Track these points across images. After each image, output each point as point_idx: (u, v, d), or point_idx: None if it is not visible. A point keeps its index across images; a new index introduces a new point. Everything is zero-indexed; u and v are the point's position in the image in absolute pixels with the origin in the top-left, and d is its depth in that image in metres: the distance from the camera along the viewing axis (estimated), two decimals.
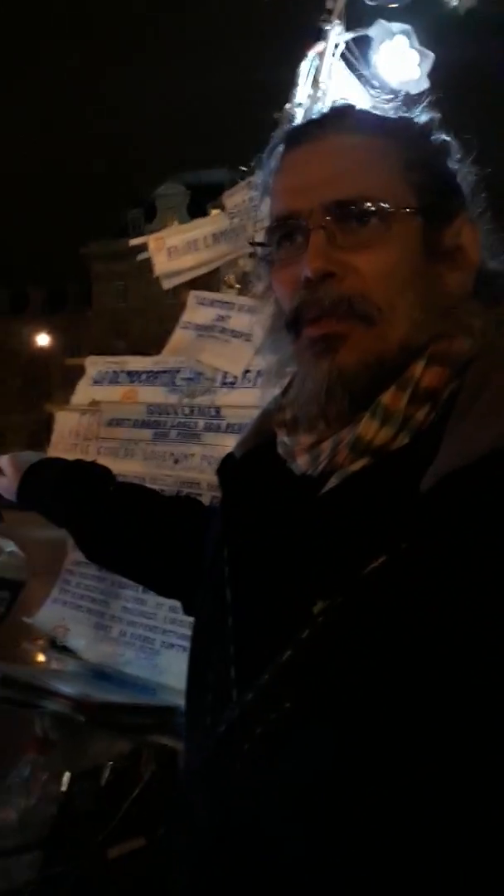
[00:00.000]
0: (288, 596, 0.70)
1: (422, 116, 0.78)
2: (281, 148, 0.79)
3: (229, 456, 0.90)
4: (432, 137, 0.77)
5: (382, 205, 0.71)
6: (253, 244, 0.81)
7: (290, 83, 2.08)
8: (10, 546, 1.36)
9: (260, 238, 0.79)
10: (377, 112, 0.78)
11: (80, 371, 1.97)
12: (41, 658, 1.74)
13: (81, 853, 1.43)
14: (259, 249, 0.81)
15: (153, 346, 2.04)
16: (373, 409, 0.71)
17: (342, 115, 0.78)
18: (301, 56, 2.04)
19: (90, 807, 1.45)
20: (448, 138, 0.78)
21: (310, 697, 0.66)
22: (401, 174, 0.74)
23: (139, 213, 31.38)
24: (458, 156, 0.78)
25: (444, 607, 0.62)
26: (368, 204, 0.71)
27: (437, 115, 0.79)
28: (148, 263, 1.98)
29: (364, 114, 0.78)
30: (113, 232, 31.27)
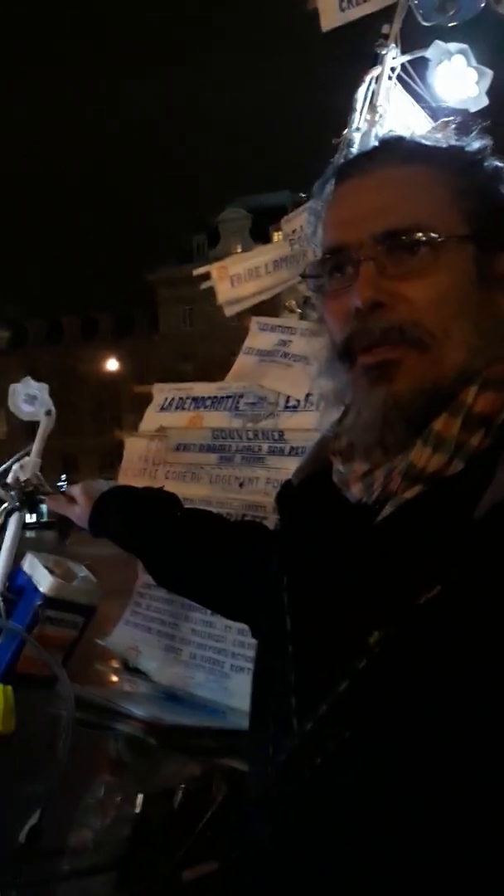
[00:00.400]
0: (345, 625, 0.70)
1: (474, 143, 0.79)
2: (332, 181, 0.81)
3: (287, 483, 0.91)
4: (485, 164, 0.78)
5: (432, 234, 0.72)
6: (303, 276, 0.82)
7: (350, 107, 2.11)
8: (83, 571, 1.40)
9: (310, 269, 0.80)
10: (428, 141, 0.79)
11: (148, 396, 2.02)
12: (114, 680, 1.78)
13: (156, 875, 1.45)
14: (309, 281, 0.82)
15: (218, 368, 2.07)
16: (425, 435, 0.72)
17: (392, 146, 0.80)
18: (356, 81, 2.07)
19: (163, 828, 1.46)
20: (501, 165, 0.78)
21: (367, 727, 0.66)
22: (451, 202, 0.74)
23: (203, 238, 31.91)
24: None
25: (499, 637, 0.62)
26: (418, 234, 0.72)
27: (489, 142, 0.79)
28: (211, 289, 2.03)
29: (414, 144, 0.79)
30: (178, 257, 31.87)
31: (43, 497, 1.43)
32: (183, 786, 1.48)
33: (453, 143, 0.79)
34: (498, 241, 0.75)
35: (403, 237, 0.72)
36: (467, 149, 0.78)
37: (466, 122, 0.82)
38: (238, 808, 1.53)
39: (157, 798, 1.47)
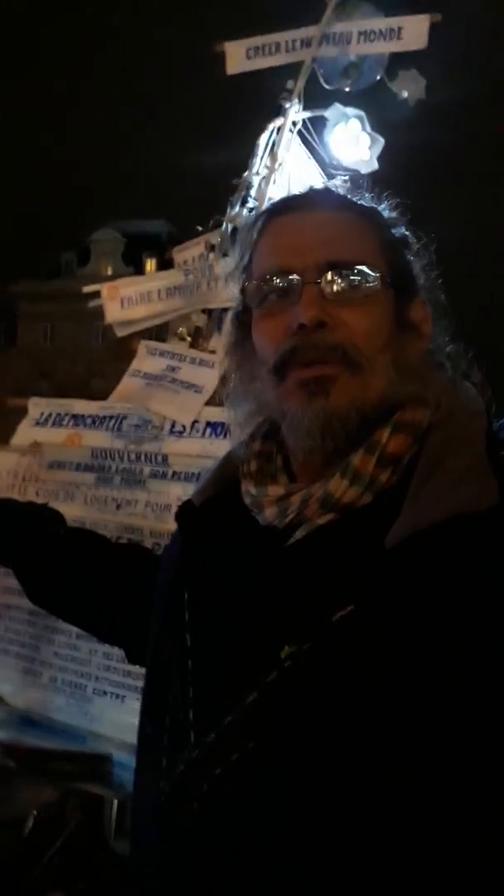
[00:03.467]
0: (253, 640, 0.73)
1: (388, 211, 0.87)
2: (263, 218, 0.86)
3: (187, 503, 0.93)
4: (396, 229, 0.86)
5: (371, 272, 0.79)
6: (242, 292, 0.85)
7: (238, 151, 2.20)
8: None
9: (251, 289, 0.83)
10: (352, 196, 0.86)
11: (6, 409, 1.97)
12: None
13: None
14: (235, 303, 0.86)
15: (78, 389, 2.06)
16: (342, 469, 0.77)
17: (324, 193, 0.89)
18: (252, 129, 2.17)
19: (12, 858, 1.40)
20: (407, 232, 0.87)
21: (274, 737, 0.69)
22: (378, 250, 0.82)
23: (72, 255, 31.35)
24: (414, 247, 0.86)
25: (407, 657, 0.67)
26: (360, 268, 0.79)
27: (400, 211, 0.87)
28: (77, 307, 2.02)
29: (344, 197, 0.86)
30: (42, 272, 31.11)
31: None
32: (35, 812, 1.43)
33: (370, 203, 0.87)
34: (407, 293, 0.83)
35: (345, 270, 0.79)
36: (383, 210, 0.87)
37: (370, 184, 0.90)
38: (93, 835, 1.49)
39: (7, 827, 1.41)
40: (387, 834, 0.66)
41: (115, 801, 1.46)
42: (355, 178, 0.93)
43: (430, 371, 0.83)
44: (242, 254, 0.87)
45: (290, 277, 0.80)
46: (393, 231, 0.85)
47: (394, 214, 0.87)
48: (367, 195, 0.88)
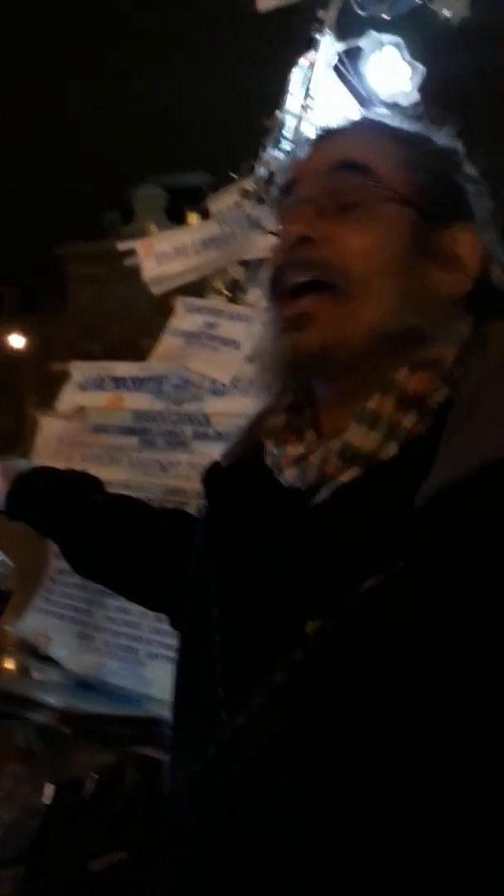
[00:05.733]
0: (278, 614, 0.68)
1: (438, 134, 0.80)
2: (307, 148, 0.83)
3: (215, 465, 0.88)
4: (443, 152, 0.78)
5: (378, 182, 0.73)
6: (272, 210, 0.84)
7: (272, 91, 2.09)
8: None
9: (263, 244, 0.81)
10: (393, 122, 0.81)
11: (55, 375, 1.96)
12: (23, 668, 1.71)
13: (63, 867, 1.41)
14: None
15: (129, 350, 2.03)
16: (359, 414, 0.71)
17: (362, 120, 0.87)
18: (288, 65, 2.05)
19: (73, 819, 1.42)
20: (459, 156, 0.79)
21: (303, 721, 0.65)
22: (404, 170, 0.75)
23: (116, 215, 31.24)
24: (472, 176, 0.79)
25: (443, 628, 0.61)
26: (366, 175, 0.73)
27: (452, 132, 0.80)
28: (126, 267, 1.97)
29: (381, 121, 0.82)
30: (89, 233, 31.11)
31: None
32: (94, 775, 1.44)
33: (416, 128, 0.80)
34: (440, 218, 0.75)
35: (351, 171, 0.74)
36: (428, 134, 0.79)
37: (431, 113, 0.83)
38: (151, 797, 1.51)
39: (68, 788, 1.43)
40: (430, 819, 0.61)
41: None
42: (405, 108, 0.88)
43: (461, 309, 0.75)
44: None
45: (292, 195, 0.76)
46: (439, 154, 0.78)
47: (442, 133, 0.80)
48: (415, 121, 0.82)
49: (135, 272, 1.98)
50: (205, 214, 1.98)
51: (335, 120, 0.85)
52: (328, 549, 0.68)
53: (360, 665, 0.63)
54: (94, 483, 1.21)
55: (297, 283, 0.73)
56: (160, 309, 1.90)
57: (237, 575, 0.75)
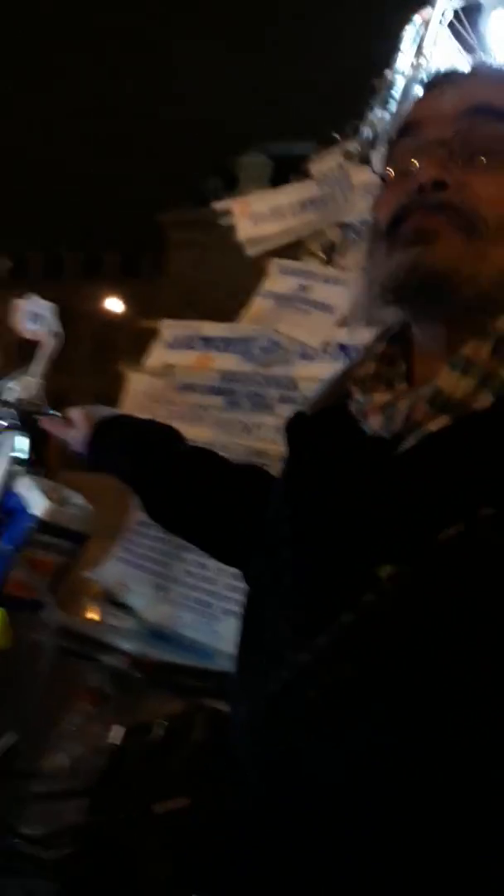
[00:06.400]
0: (352, 557, 0.67)
1: None
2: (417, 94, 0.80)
3: (298, 414, 0.87)
4: None
5: None
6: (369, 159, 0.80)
7: (385, 52, 2.02)
8: (77, 498, 1.37)
9: (363, 205, 0.77)
10: None
11: (150, 338, 1.98)
12: (100, 613, 1.77)
13: (127, 805, 1.46)
14: (378, 161, 0.80)
15: (225, 319, 2.03)
16: (452, 360, 0.68)
17: (481, 66, 0.83)
18: (402, 24, 1.98)
19: (139, 762, 1.47)
20: None
21: (371, 665, 0.64)
22: None
23: (219, 182, 31.26)
24: None
25: None
26: (501, 121, 0.70)
27: None
28: (227, 235, 1.97)
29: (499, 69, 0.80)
30: (192, 201, 31.27)
31: (40, 418, 1.39)
32: (164, 722, 1.48)
33: None
34: None
35: (482, 123, 0.70)
36: None
37: None
38: (217, 749, 1.54)
39: (137, 731, 1.47)
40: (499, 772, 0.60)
41: None
42: None
43: None
44: (390, 134, 0.80)
45: (415, 136, 0.73)
46: None
47: None
48: None
49: (234, 241, 1.97)
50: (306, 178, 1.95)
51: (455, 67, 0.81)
52: (409, 497, 0.67)
53: (433, 613, 0.62)
54: (175, 434, 1.23)
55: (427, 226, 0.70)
56: (259, 278, 1.88)
57: (313, 518, 0.74)
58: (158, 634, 1.66)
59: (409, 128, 0.75)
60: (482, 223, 0.68)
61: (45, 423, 1.35)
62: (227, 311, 1.98)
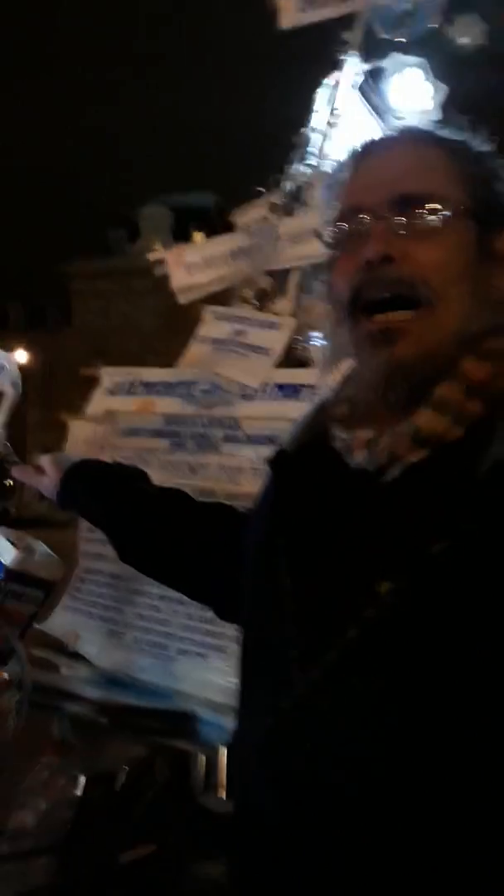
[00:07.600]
0: (351, 577, 0.74)
1: (477, 140, 0.86)
2: (345, 165, 0.86)
3: (280, 451, 0.94)
4: (487, 159, 0.85)
5: (442, 202, 0.79)
6: (319, 236, 0.87)
7: (288, 112, 2.15)
8: (42, 546, 1.38)
9: (329, 231, 0.84)
10: (440, 132, 0.86)
11: (57, 392, 2.00)
12: (53, 663, 1.75)
13: (94, 858, 1.44)
14: (328, 239, 0.86)
15: (136, 365, 2.07)
16: (429, 401, 0.77)
17: (411, 130, 0.89)
18: (307, 88, 2.12)
19: (104, 811, 1.45)
20: (496, 160, 0.85)
21: (376, 676, 0.70)
22: (459, 181, 0.81)
23: (122, 232, 31.46)
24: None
25: None
26: (430, 200, 0.79)
27: (490, 143, 0.86)
28: (130, 283, 2.03)
29: (423, 130, 0.87)
30: (93, 250, 31.31)
31: (10, 466, 1.40)
32: (126, 767, 1.48)
33: (461, 136, 0.86)
34: (495, 223, 0.82)
35: (414, 202, 0.79)
36: (473, 142, 0.86)
37: (467, 121, 0.88)
38: (180, 790, 1.54)
39: (100, 780, 1.46)
40: (499, 770, 0.65)
41: (203, 757, 1.50)
42: (447, 114, 0.93)
43: None
44: (329, 198, 0.87)
45: (360, 216, 0.80)
46: (481, 160, 0.85)
47: (485, 145, 0.86)
48: (455, 129, 0.87)
49: (140, 290, 2.03)
50: (211, 233, 2.04)
51: (362, 140, 0.88)
52: (398, 519, 0.74)
53: (431, 624, 0.68)
54: (142, 475, 1.25)
55: (381, 298, 0.79)
56: (166, 326, 1.94)
57: (309, 547, 0.80)
58: (114, 681, 1.66)
59: (345, 211, 0.83)
60: (430, 291, 0.77)
61: (16, 472, 1.35)
62: (136, 358, 2.02)
